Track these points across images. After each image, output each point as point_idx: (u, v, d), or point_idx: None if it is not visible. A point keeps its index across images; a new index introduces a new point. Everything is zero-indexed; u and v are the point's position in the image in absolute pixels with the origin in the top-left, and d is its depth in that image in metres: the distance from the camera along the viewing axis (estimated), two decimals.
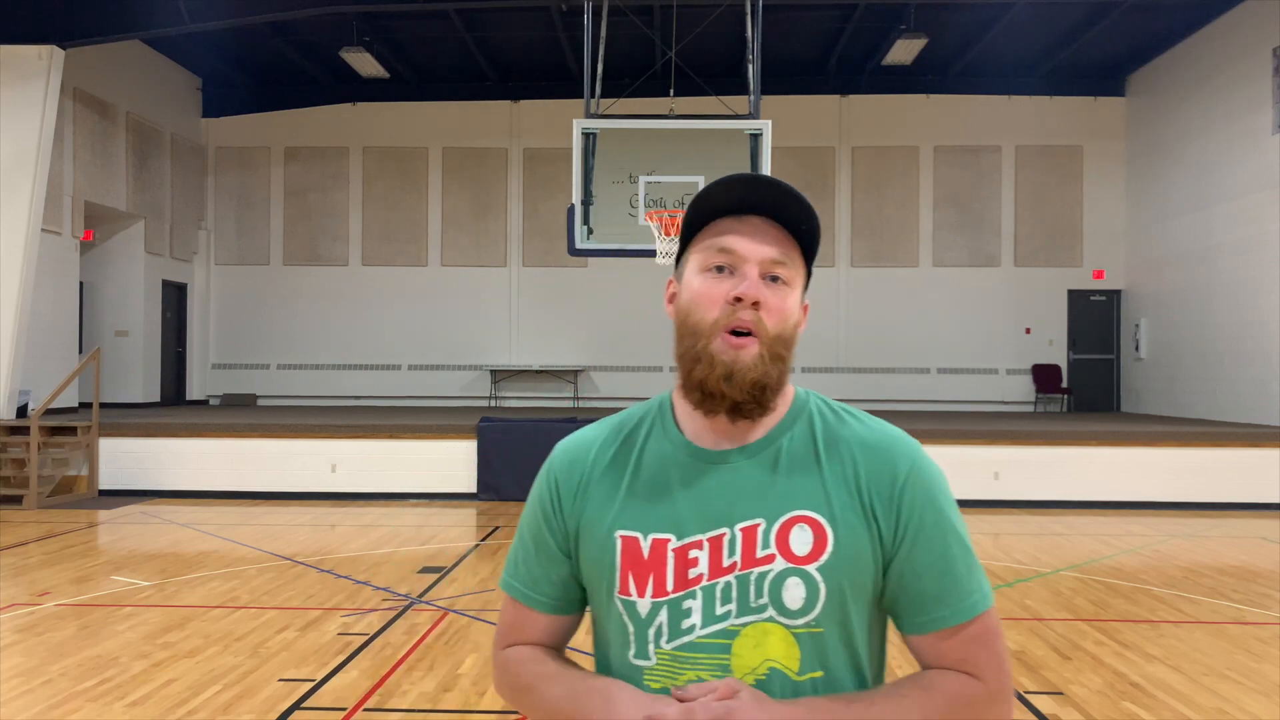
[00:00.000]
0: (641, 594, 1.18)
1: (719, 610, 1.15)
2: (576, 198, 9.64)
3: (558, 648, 1.32)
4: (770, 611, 1.15)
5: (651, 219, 9.52)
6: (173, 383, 15.57)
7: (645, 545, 1.19)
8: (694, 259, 1.22)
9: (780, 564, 1.15)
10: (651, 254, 9.56)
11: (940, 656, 1.18)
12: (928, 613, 1.17)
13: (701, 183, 9.57)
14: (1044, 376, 15.76)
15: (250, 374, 16.36)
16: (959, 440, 10.37)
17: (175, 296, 15.64)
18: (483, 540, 8.12)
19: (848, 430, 1.22)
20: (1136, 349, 15.26)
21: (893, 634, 1.27)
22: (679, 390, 1.25)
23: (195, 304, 16.16)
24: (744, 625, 1.15)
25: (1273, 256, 11.68)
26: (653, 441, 1.25)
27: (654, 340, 15.39)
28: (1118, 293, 15.77)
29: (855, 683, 1.18)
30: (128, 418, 11.54)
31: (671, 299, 1.27)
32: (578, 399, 15.80)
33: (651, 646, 1.18)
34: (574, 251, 9.97)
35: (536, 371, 15.88)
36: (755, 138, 9.49)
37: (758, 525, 1.16)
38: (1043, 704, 4.09)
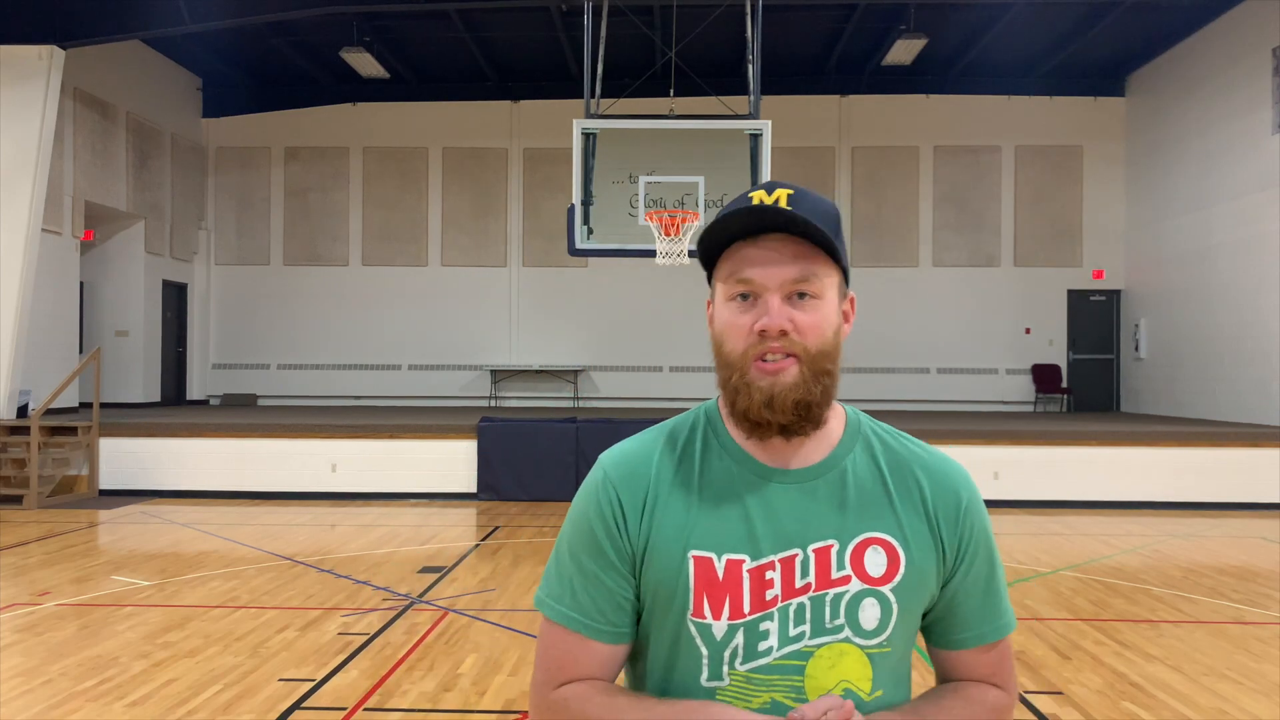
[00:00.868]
0: (718, 616, 1.16)
1: (793, 631, 1.16)
2: (576, 198, 9.64)
3: (612, 681, 1.23)
4: (846, 632, 1.16)
5: (651, 219, 9.52)
6: (173, 383, 15.57)
7: (720, 566, 1.16)
8: (720, 284, 1.20)
9: (856, 585, 1.16)
10: (651, 254, 9.56)
11: (973, 670, 1.25)
12: (972, 629, 1.24)
13: (702, 183, 9.59)
14: (1044, 376, 15.76)
15: (250, 374, 16.36)
16: (959, 440, 10.37)
17: (175, 296, 15.64)
18: (483, 540, 8.12)
19: (907, 453, 1.24)
20: (1136, 349, 15.26)
21: None
22: (726, 411, 1.23)
23: (195, 304, 16.16)
24: (818, 646, 1.16)
25: (1273, 256, 11.68)
26: (713, 457, 1.22)
27: (654, 340, 15.40)
28: (1118, 293, 15.77)
29: (903, 697, 1.22)
30: (128, 418, 11.54)
31: (711, 320, 1.24)
32: (578, 399, 15.80)
33: (725, 668, 1.16)
34: (574, 251, 9.98)
35: (536, 371, 15.88)
36: (755, 138, 9.49)
37: (831, 546, 1.17)
38: (1043, 704, 4.09)
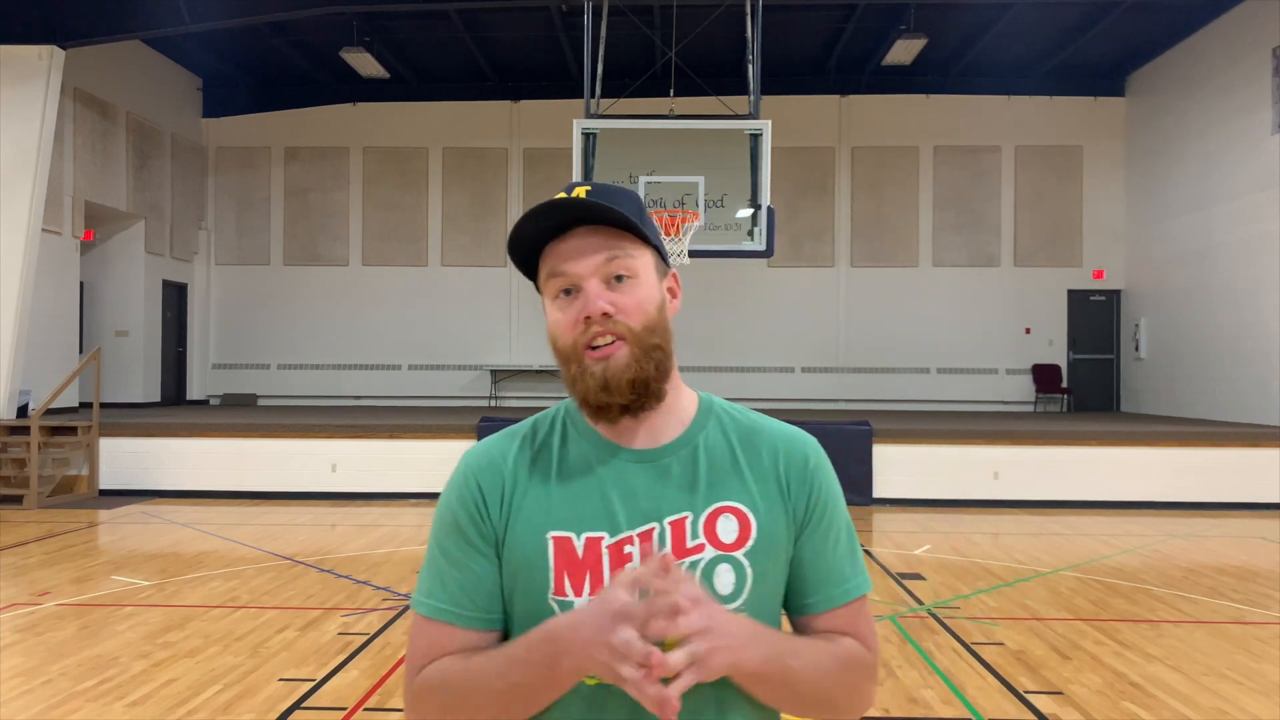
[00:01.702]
0: (579, 593, 1.18)
1: None
2: None
3: None
4: None
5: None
6: (173, 383, 15.57)
7: (579, 544, 1.19)
8: (544, 290, 1.25)
9: (710, 552, 1.19)
10: None
11: (829, 631, 1.26)
12: (822, 592, 1.25)
13: (702, 183, 9.59)
14: (1044, 376, 15.76)
15: (250, 374, 16.36)
16: (959, 440, 10.37)
17: (175, 296, 15.64)
18: None
19: (756, 425, 1.29)
20: (1136, 349, 15.26)
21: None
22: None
23: (195, 304, 16.16)
24: None
25: (1273, 256, 11.68)
26: (571, 444, 1.26)
27: None
28: (1118, 293, 15.77)
29: None
30: (128, 418, 11.54)
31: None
32: None
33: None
34: None
35: (536, 371, 15.88)
36: (755, 138, 9.49)
37: (685, 518, 1.20)
38: (1043, 704, 4.09)
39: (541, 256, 1.24)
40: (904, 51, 13.59)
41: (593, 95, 10.07)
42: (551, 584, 1.19)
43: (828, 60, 15.22)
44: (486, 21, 13.79)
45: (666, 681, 1.03)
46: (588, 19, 10.20)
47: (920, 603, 5.94)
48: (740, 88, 11.65)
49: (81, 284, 13.41)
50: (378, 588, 6.23)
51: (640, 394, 1.20)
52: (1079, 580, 6.63)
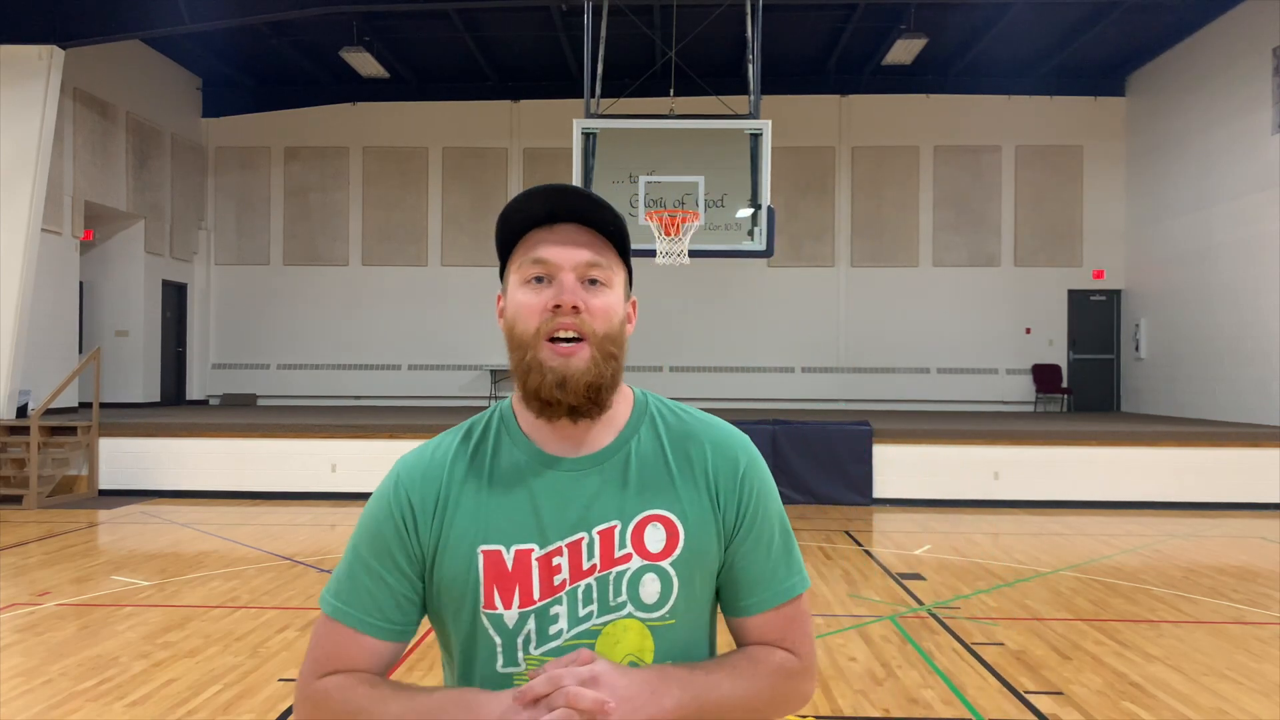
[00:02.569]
0: (508, 605, 1.19)
1: (581, 612, 1.19)
2: None
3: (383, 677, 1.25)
4: (629, 608, 1.20)
5: (651, 219, 9.51)
6: (173, 383, 15.57)
7: (509, 557, 1.20)
8: (514, 273, 1.24)
9: (637, 562, 1.20)
10: (651, 254, 9.56)
11: (762, 635, 1.26)
12: (756, 594, 1.26)
13: (702, 183, 9.58)
14: (1044, 376, 15.76)
15: (250, 374, 16.36)
16: (959, 440, 10.37)
17: (175, 296, 15.64)
18: None
19: (688, 428, 1.29)
20: (1136, 349, 15.25)
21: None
22: (519, 400, 1.26)
23: (195, 304, 16.16)
24: (605, 624, 1.20)
25: (1273, 256, 11.68)
26: (504, 452, 1.25)
27: (653, 340, 15.38)
28: (1118, 293, 15.77)
29: None
30: (128, 418, 11.53)
31: (502, 313, 1.27)
32: None
33: (520, 654, 1.20)
34: None
35: None
36: (755, 138, 9.49)
37: (614, 527, 1.21)
38: (1043, 704, 4.09)
39: (522, 240, 1.23)
40: (904, 51, 13.59)
41: (593, 95, 10.07)
42: (482, 598, 1.20)
43: (828, 60, 15.21)
44: (486, 21, 13.79)
45: None
46: (588, 19, 10.20)
47: (920, 603, 5.94)
48: (740, 87, 11.66)
49: (81, 284, 13.41)
50: None
51: (592, 399, 1.20)
52: (1079, 580, 6.63)
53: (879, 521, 9.28)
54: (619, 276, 1.25)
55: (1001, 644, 5.01)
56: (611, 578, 1.20)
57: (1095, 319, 15.88)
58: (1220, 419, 12.44)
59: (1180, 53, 14.00)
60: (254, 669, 4.48)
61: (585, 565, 1.20)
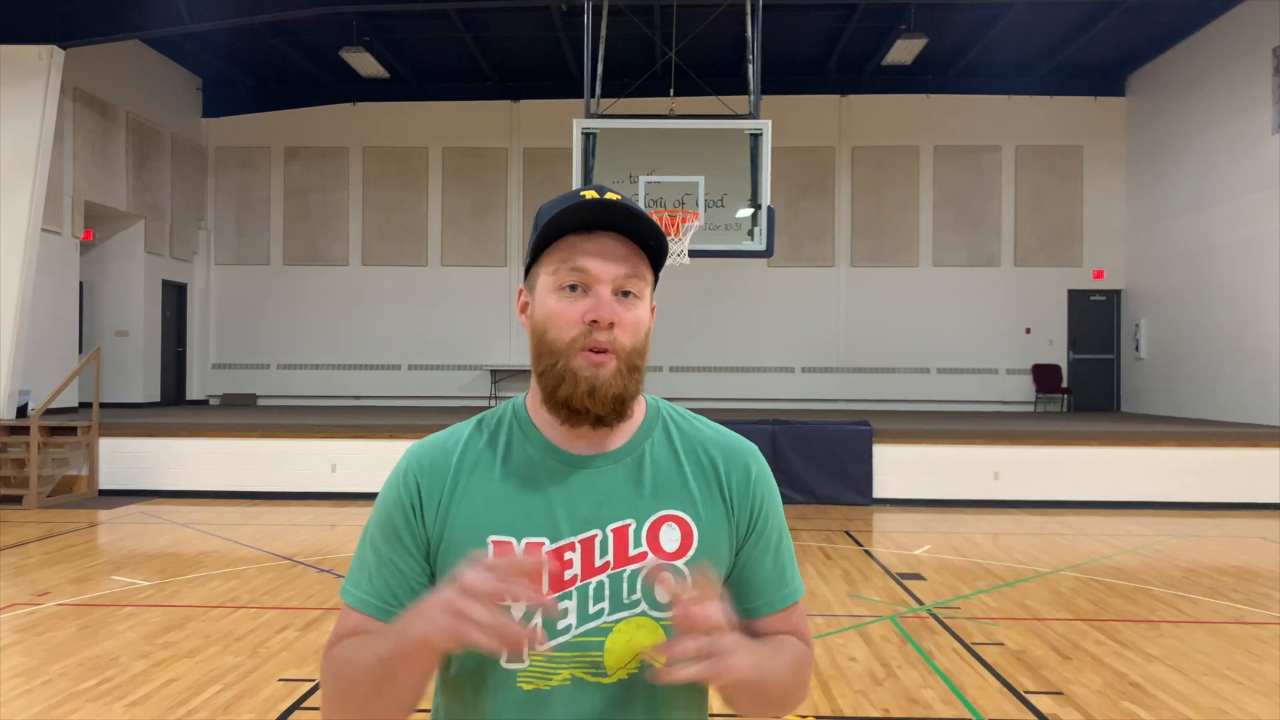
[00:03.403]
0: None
1: (592, 609, 1.20)
2: None
3: None
4: (643, 606, 1.20)
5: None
6: (173, 383, 15.57)
7: (519, 549, 1.20)
8: (546, 275, 1.23)
9: (652, 560, 1.21)
10: None
11: (773, 632, 1.30)
12: (764, 596, 1.29)
13: (701, 183, 9.58)
14: (1044, 376, 15.76)
15: (250, 374, 16.36)
16: (959, 440, 10.37)
17: (175, 296, 15.64)
18: None
19: (701, 434, 1.31)
20: (1136, 349, 15.26)
21: None
22: (534, 400, 1.27)
23: (195, 304, 16.16)
24: (616, 621, 1.20)
25: (1273, 256, 11.68)
26: (517, 446, 1.26)
27: (654, 340, 15.34)
28: (1118, 293, 15.77)
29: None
30: (128, 418, 11.54)
31: (524, 308, 1.28)
32: None
33: (525, 649, 1.18)
34: None
35: None
36: (755, 137, 9.49)
37: (628, 525, 1.22)
38: (1043, 704, 4.09)
39: (556, 243, 1.23)
40: (904, 51, 13.59)
41: (593, 95, 10.07)
42: None
43: (828, 60, 15.21)
44: (486, 21, 13.79)
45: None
46: (588, 19, 10.20)
47: (920, 603, 5.94)
48: (740, 87, 11.66)
49: (81, 284, 13.41)
50: None
51: (617, 411, 1.21)
52: (1079, 580, 6.63)
53: (879, 521, 9.28)
54: (649, 287, 1.26)
55: (1001, 644, 5.01)
56: (626, 575, 1.20)
57: (1095, 319, 15.88)
58: (1220, 419, 12.44)
59: (1180, 53, 14.00)
60: (254, 669, 4.48)
61: (599, 562, 1.20)
